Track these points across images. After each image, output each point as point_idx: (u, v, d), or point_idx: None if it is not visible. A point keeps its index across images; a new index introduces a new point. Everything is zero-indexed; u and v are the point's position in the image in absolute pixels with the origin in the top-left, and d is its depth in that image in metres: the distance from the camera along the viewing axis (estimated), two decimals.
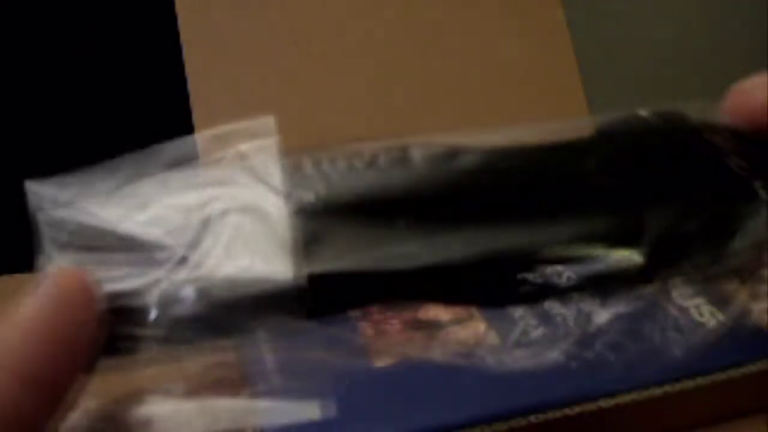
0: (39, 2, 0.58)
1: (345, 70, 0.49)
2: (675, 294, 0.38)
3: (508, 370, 0.29)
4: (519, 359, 0.28)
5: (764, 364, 0.35)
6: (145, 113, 0.57)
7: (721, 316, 0.34)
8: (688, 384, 0.34)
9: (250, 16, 0.49)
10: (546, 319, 0.30)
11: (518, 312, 0.33)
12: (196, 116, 0.47)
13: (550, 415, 0.33)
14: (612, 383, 0.35)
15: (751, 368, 0.35)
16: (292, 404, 0.26)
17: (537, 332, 0.30)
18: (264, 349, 0.33)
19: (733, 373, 0.35)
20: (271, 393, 0.30)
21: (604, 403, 0.34)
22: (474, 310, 0.38)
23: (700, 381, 0.35)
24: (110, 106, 0.58)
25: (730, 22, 0.74)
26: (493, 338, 0.34)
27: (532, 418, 0.34)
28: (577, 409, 0.33)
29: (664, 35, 0.74)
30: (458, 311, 0.38)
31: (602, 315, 0.29)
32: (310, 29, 0.50)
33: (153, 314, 0.22)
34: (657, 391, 0.34)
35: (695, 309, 0.37)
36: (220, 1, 0.49)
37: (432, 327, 0.36)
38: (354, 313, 0.35)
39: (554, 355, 0.28)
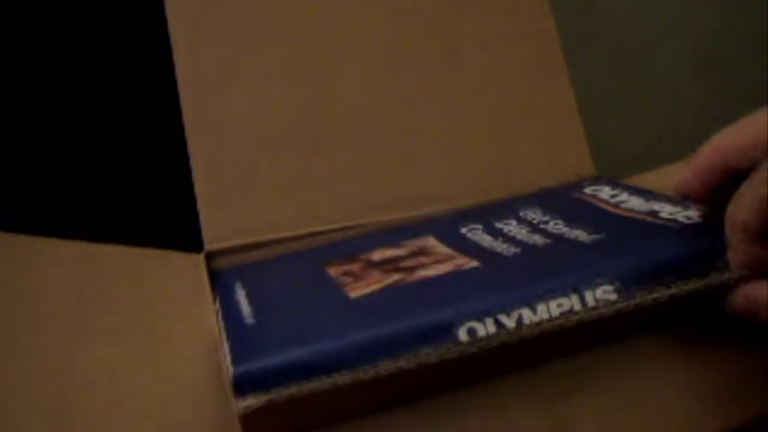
0: None
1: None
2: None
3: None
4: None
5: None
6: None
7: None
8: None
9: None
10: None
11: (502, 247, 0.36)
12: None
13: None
14: None
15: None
16: None
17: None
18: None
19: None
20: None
21: None
22: (455, 252, 0.37)
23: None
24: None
25: (729, 25, 0.74)
26: (473, 263, 0.33)
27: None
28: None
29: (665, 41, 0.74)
30: (439, 257, 0.37)
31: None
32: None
33: None
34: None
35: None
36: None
37: (412, 267, 0.35)
38: (334, 273, 0.34)
39: None
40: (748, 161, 0.32)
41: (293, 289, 0.36)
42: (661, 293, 0.31)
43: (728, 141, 0.33)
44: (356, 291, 0.33)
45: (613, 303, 0.30)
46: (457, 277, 0.33)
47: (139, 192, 0.58)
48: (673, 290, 0.31)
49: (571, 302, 0.30)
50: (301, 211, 0.44)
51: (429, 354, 0.29)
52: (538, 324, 0.29)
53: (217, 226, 0.43)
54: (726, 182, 0.33)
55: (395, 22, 0.48)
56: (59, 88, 0.58)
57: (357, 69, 0.47)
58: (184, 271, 0.41)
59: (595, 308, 0.30)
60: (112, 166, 0.59)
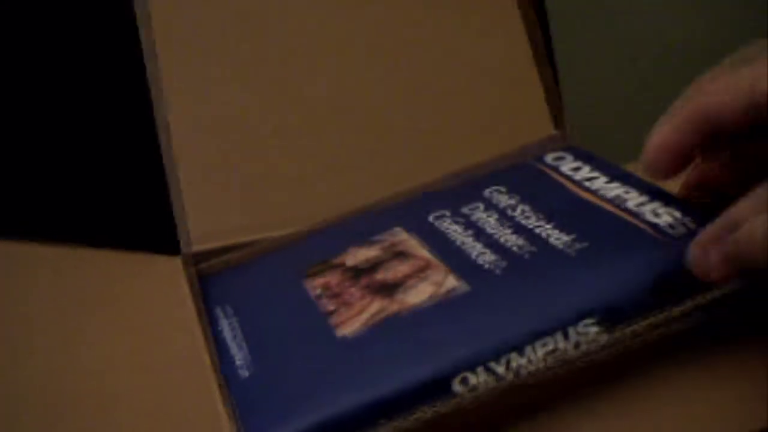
0: None
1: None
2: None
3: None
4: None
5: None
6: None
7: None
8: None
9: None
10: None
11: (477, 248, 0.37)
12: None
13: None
14: None
15: None
16: None
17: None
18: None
19: None
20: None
21: None
22: (432, 258, 0.37)
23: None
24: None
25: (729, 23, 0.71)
26: (452, 282, 0.33)
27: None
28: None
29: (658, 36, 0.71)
30: (415, 262, 0.37)
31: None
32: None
33: None
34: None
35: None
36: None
37: (391, 286, 0.36)
38: (314, 292, 0.35)
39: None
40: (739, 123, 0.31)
41: (278, 322, 0.36)
42: (643, 327, 0.31)
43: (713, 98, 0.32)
44: (343, 326, 0.34)
45: (597, 339, 0.31)
46: (442, 309, 0.34)
47: (110, 196, 0.57)
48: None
49: (556, 342, 0.31)
50: (278, 211, 0.44)
51: (425, 410, 0.30)
52: (525, 367, 0.31)
53: (197, 229, 0.43)
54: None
55: (364, 20, 0.48)
56: (31, 95, 0.57)
57: (328, 67, 0.47)
58: (166, 274, 0.42)
59: (577, 344, 0.31)
60: (82, 169, 0.58)
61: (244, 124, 0.46)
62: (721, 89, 0.31)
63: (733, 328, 0.32)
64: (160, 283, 0.41)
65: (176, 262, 0.42)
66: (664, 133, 0.33)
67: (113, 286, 0.41)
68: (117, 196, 0.57)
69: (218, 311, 0.38)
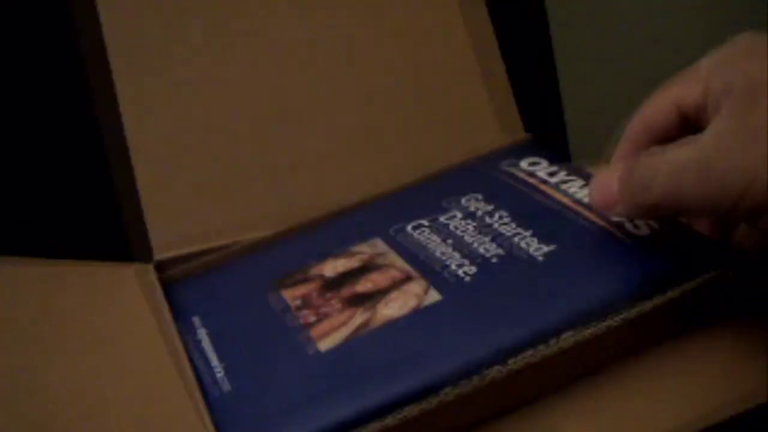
0: None
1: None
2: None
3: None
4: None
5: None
6: None
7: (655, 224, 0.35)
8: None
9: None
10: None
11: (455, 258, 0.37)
12: None
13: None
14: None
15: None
16: None
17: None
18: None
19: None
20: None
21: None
22: (412, 270, 0.37)
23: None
24: None
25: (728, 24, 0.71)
26: (433, 294, 0.33)
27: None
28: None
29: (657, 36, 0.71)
30: (395, 274, 0.38)
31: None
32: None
33: None
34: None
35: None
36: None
37: (372, 298, 0.36)
38: (293, 303, 0.35)
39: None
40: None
41: (256, 333, 0.36)
42: (617, 322, 0.32)
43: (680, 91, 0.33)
44: (323, 340, 0.34)
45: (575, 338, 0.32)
46: (424, 322, 0.34)
47: (64, 207, 0.56)
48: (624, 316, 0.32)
49: (536, 351, 0.31)
50: (245, 215, 0.44)
51: (412, 408, 0.30)
52: (509, 371, 0.31)
53: (164, 236, 0.43)
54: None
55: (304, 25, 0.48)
56: None
57: (281, 71, 0.47)
58: (135, 282, 0.41)
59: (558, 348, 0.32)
60: (38, 182, 0.57)
61: (203, 129, 0.45)
62: (657, 108, 0.34)
63: (704, 317, 0.34)
64: (133, 291, 0.41)
65: (147, 268, 0.41)
66: (610, 186, 0.34)
67: (88, 295, 0.41)
68: (82, 209, 0.57)
69: (194, 321, 0.38)
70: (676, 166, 0.30)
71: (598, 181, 0.34)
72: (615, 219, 0.36)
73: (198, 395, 0.32)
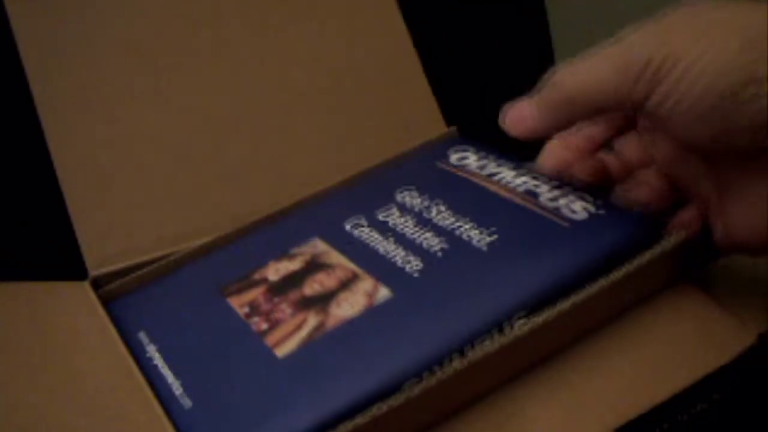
0: None
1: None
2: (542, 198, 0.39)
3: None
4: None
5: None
6: None
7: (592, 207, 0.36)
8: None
9: None
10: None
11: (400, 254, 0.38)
12: None
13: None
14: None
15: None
16: None
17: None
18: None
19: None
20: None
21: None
22: (357, 268, 0.38)
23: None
24: None
25: None
26: (383, 291, 0.34)
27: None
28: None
29: None
30: (342, 274, 0.38)
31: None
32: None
33: None
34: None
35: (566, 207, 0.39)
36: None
37: (322, 300, 0.36)
38: (242, 310, 0.35)
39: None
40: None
41: (209, 345, 0.36)
42: (567, 306, 0.33)
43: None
44: (279, 346, 0.34)
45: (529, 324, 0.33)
46: (378, 319, 0.34)
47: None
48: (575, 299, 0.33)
49: (492, 337, 0.32)
50: (179, 225, 0.44)
51: (380, 407, 0.30)
52: (470, 361, 0.32)
53: (97, 251, 0.42)
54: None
55: (252, 27, 0.48)
56: None
57: (218, 76, 0.47)
58: (74, 300, 0.40)
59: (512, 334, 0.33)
60: None
61: (130, 141, 0.45)
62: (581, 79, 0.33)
63: (649, 292, 0.35)
64: (73, 309, 0.40)
65: (84, 286, 0.41)
66: (523, 107, 0.35)
67: (29, 317, 0.40)
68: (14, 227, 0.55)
69: (140, 337, 0.37)
70: (588, 60, 0.32)
71: (511, 107, 0.35)
72: (552, 206, 0.37)
73: (161, 413, 0.32)
